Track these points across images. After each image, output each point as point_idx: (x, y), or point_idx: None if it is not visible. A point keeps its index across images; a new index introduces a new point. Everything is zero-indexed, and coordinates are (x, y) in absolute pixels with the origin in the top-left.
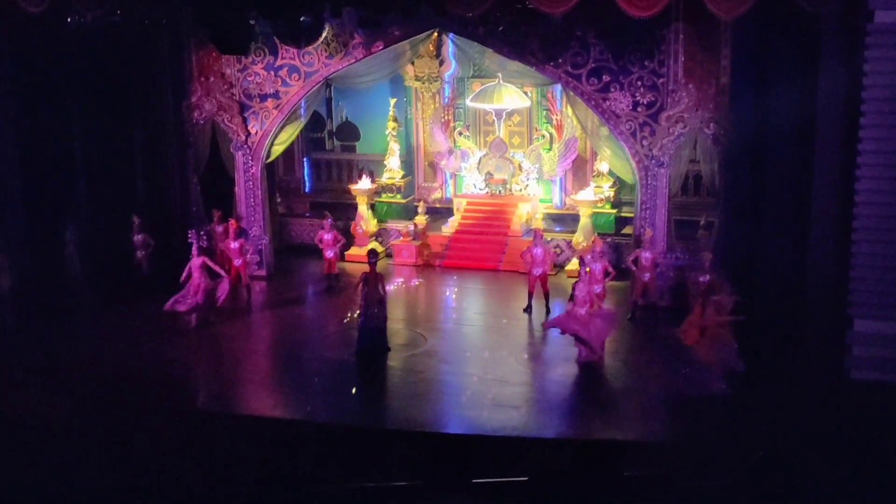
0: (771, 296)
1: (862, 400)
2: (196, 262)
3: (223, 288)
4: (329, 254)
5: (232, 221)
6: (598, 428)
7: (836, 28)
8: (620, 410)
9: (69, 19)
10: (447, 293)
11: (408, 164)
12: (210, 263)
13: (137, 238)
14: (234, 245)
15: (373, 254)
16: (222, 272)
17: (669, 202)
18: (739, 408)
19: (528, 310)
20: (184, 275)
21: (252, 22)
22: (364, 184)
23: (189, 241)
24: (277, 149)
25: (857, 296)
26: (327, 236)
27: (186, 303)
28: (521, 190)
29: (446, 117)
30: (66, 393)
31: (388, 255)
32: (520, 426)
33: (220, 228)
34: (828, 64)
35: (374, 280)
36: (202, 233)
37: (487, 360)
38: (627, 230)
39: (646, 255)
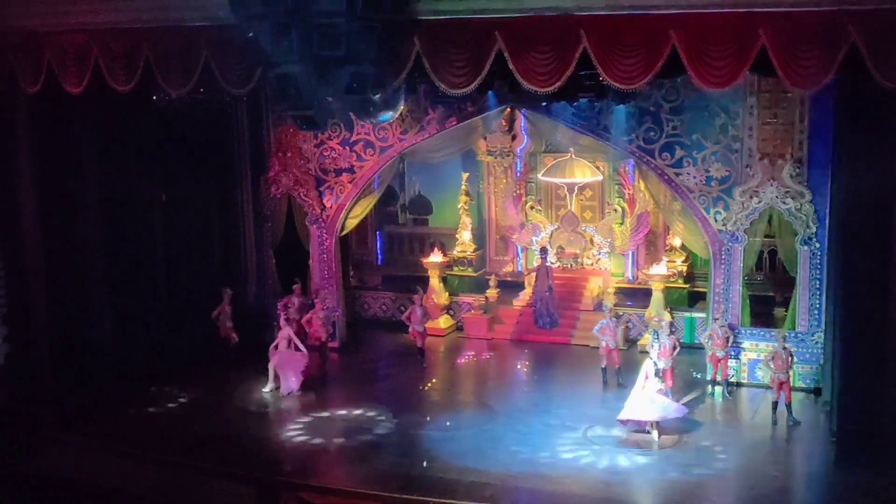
0: (853, 367)
1: None
2: (284, 332)
3: (305, 364)
4: (419, 328)
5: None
6: None
7: None
8: (699, 491)
9: (154, 97)
10: (518, 367)
11: (479, 237)
12: (294, 338)
13: (227, 309)
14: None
15: (543, 251)
16: (303, 349)
17: (744, 278)
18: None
19: (605, 383)
20: (273, 349)
21: (329, 98)
22: (436, 257)
23: (278, 312)
24: (351, 222)
25: None
26: (419, 311)
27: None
28: (592, 264)
29: (518, 191)
30: (148, 459)
31: (459, 328)
32: None
33: (297, 300)
34: None
35: (543, 272)
36: (289, 305)
37: (559, 436)
38: (701, 305)
39: (718, 333)
